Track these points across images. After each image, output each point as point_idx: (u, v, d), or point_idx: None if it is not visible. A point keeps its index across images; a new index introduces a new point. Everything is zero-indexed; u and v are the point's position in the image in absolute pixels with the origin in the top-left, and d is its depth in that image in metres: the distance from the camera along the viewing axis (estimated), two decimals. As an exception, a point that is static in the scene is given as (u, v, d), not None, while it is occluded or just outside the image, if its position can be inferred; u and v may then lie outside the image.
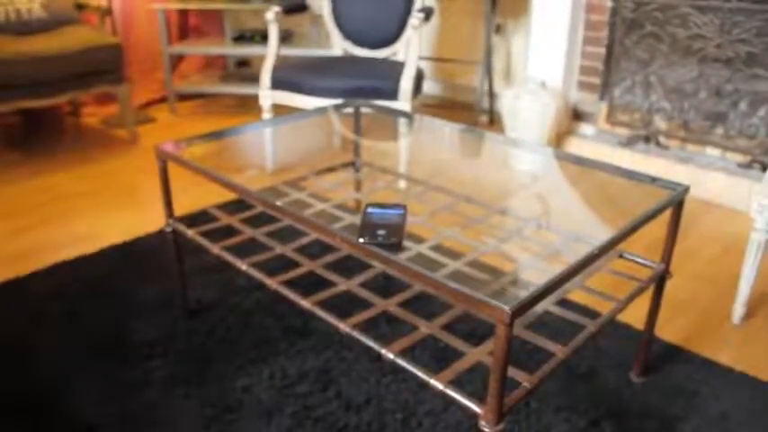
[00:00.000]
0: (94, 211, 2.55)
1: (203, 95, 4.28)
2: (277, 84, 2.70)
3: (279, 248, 1.62)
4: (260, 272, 1.45)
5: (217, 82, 4.00)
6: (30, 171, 2.97)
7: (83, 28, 3.33)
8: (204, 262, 2.12)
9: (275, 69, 2.73)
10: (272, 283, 1.41)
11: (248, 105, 4.08)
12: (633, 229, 1.22)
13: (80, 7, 3.50)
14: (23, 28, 3.21)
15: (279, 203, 1.32)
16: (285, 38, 3.98)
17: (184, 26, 4.39)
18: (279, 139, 2.25)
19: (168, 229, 1.72)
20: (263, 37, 3.90)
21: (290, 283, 1.42)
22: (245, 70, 4.47)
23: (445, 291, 1.00)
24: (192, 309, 1.88)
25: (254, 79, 3.97)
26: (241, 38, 3.99)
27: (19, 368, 1.62)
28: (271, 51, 2.78)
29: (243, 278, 2.03)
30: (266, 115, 2.77)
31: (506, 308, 0.92)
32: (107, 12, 3.67)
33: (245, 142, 1.94)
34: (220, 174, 1.47)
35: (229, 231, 1.74)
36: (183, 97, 4.17)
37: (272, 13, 2.76)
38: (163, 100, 4.08)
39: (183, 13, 4.35)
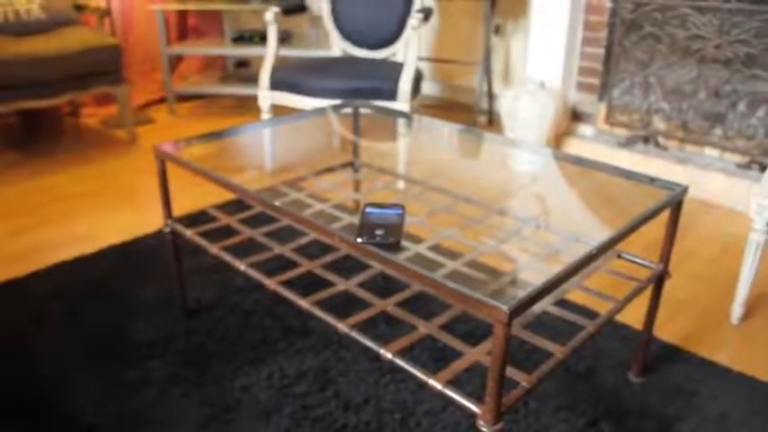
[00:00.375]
0: (94, 211, 2.55)
1: (202, 96, 4.28)
2: (276, 84, 2.70)
3: (277, 249, 1.62)
4: (259, 272, 1.46)
5: (216, 83, 4.01)
6: (29, 171, 2.97)
7: (82, 29, 3.33)
8: (203, 262, 2.12)
9: (274, 70, 2.73)
10: (271, 283, 1.41)
11: (247, 106, 4.09)
12: (632, 229, 1.23)
13: (79, 8, 3.51)
14: (22, 29, 3.21)
15: (277, 203, 1.32)
16: (284, 38, 3.98)
17: (183, 27, 4.39)
18: (278, 139, 2.25)
19: (167, 230, 1.72)
20: (262, 38, 3.90)
21: (288, 284, 1.42)
22: (244, 71, 4.47)
23: (444, 290, 1.00)
24: (191, 309, 1.88)
25: (253, 80, 3.97)
26: (240, 38, 3.99)
27: (19, 368, 1.62)
28: (270, 52, 2.79)
29: (242, 278, 2.03)
30: (265, 116, 2.77)
31: (504, 308, 0.92)
32: (106, 13, 3.67)
33: (244, 143, 1.94)
34: (219, 174, 1.47)
35: (228, 232, 1.75)
36: (183, 98, 4.17)
37: (271, 14, 2.76)
38: (162, 101, 4.08)
39: (182, 14, 4.35)
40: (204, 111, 4.01)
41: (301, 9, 3.13)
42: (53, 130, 3.60)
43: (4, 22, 3.16)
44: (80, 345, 1.71)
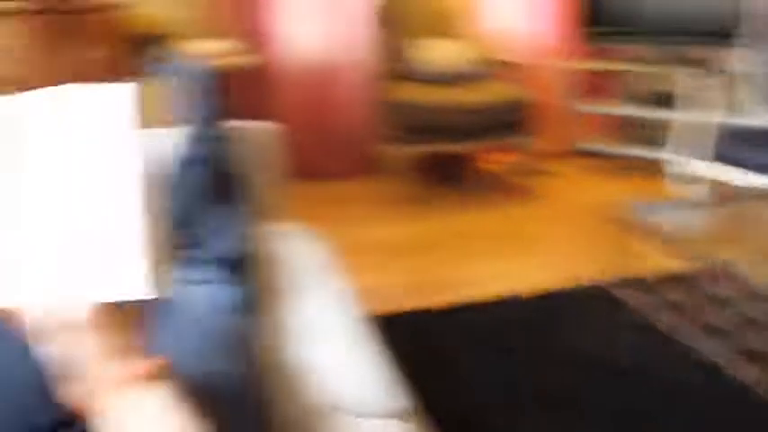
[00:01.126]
0: (500, 254, 2.65)
1: (599, 154, 4.24)
2: (711, 155, 2.54)
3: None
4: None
5: (615, 142, 3.97)
6: (435, 209, 3.26)
7: (498, 82, 3.61)
8: (634, 322, 1.95)
9: (709, 140, 2.58)
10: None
11: (647, 168, 3.87)
12: None
13: (496, 64, 3.80)
14: (452, 79, 3.59)
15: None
16: (666, 100, 3.81)
17: (588, 84, 4.44)
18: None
19: (602, 285, 1.69)
20: (667, 100, 3.76)
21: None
22: (643, 132, 4.34)
23: None
24: (622, 369, 1.79)
25: (657, 143, 3.82)
26: (646, 100, 3.91)
27: (451, 391, 1.74)
28: (704, 119, 2.65)
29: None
30: (689, 188, 2.62)
31: None
32: (519, 68, 3.89)
33: (707, 218, 1.85)
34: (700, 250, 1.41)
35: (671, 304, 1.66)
36: (581, 153, 4.18)
37: (712, 80, 2.63)
38: (562, 155, 4.15)
39: (588, 72, 4.41)
40: (601, 168, 3.97)
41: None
42: (461, 172, 3.90)
43: (441, 73, 3.57)
44: (500, 384, 1.77)
